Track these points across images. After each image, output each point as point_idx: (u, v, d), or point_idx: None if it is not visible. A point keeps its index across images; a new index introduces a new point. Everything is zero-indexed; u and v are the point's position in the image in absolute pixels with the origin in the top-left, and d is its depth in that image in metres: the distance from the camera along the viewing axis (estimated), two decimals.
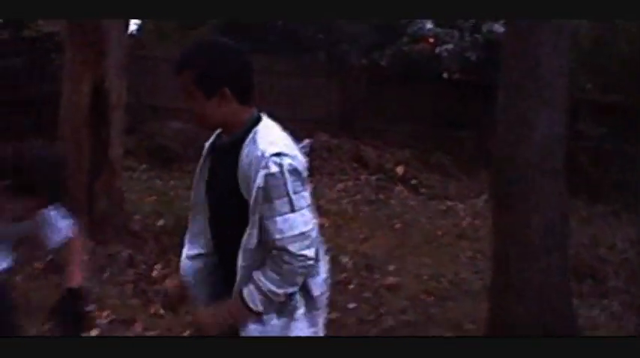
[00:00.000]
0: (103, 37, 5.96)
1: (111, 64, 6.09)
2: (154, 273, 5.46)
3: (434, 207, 8.17)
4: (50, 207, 2.55)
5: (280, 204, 2.22)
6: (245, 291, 2.27)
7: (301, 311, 2.35)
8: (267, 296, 2.26)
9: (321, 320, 2.44)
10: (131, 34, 8.72)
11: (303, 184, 2.27)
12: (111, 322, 4.58)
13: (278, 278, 2.25)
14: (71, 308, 2.61)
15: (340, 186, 8.62)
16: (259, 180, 2.20)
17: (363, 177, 9.06)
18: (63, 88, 6.25)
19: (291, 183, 2.22)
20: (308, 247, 2.25)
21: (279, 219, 2.22)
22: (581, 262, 6.17)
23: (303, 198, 2.26)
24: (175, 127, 8.51)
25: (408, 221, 7.52)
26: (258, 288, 2.26)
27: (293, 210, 2.23)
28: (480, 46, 11.11)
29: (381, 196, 8.42)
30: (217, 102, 2.28)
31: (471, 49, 11.23)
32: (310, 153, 8.09)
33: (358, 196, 8.31)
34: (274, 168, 2.20)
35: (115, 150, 6.11)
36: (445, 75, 12.15)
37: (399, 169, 9.27)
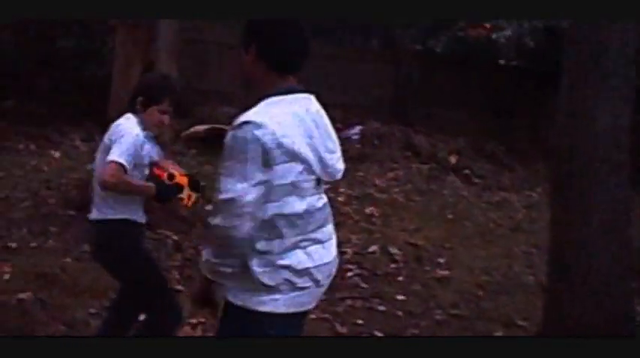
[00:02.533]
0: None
1: (161, 46, 6.07)
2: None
3: (487, 198, 7.95)
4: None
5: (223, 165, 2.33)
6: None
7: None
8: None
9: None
10: None
11: (259, 158, 2.28)
12: None
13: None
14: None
15: (391, 174, 8.46)
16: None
17: (414, 165, 8.86)
18: (114, 71, 6.26)
19: (236, 150, 2.28)
20: (227, 217, 2.30)
21: (220, 178, 2.32)
22: None
23: (247, 172, 2.29)
24: (226, 112, 8.46)
25: (460, 212, 7.33)
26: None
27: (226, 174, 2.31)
28: (539, 32, 10.77)
29: (433, 186, 8.23)
30: (251, 58, 2.41)
31: (528, 35, 10.90)
32: (360, 140, 7.99)
33: (409, 185, 8.14)
34: (232, 132, 2.31)
35: (164, 135, 6.09)
36: (502, 61, 11.84)
37: (452, 158, 9.05)
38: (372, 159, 8.79)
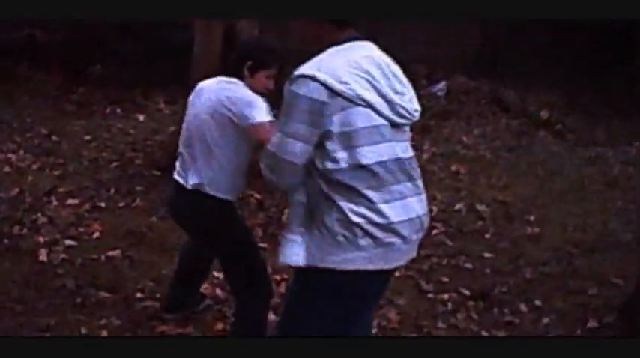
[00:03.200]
0: None
1: None
2: (284, 218, 5.42)
3: (581, 154, 7.59)
4: None
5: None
6: None
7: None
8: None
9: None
10: None
11: (308, 113, 2.28)
12: None
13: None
14: None
15: (478, 130, 8.20)
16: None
17: (503, 121, 8.56)
18: (195, 35, 6.26)
19: (287, 104, 2.31)
20: (270, 169, 2.35)
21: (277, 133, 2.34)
22: None
23: (293, 126, 2.30)
24: None
25: (552, 168, 7.03)
26: None
27: (280, 130, 2.33)
28: None
29: (523, 142, 7.93)
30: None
31: None
32: (446, 96, 7.73)
33: (497, 141, 7.87)
34: (286, 85, 2.33)
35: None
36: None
37: (543, 113, 8.66)
38: (458, 116, 8.54)
